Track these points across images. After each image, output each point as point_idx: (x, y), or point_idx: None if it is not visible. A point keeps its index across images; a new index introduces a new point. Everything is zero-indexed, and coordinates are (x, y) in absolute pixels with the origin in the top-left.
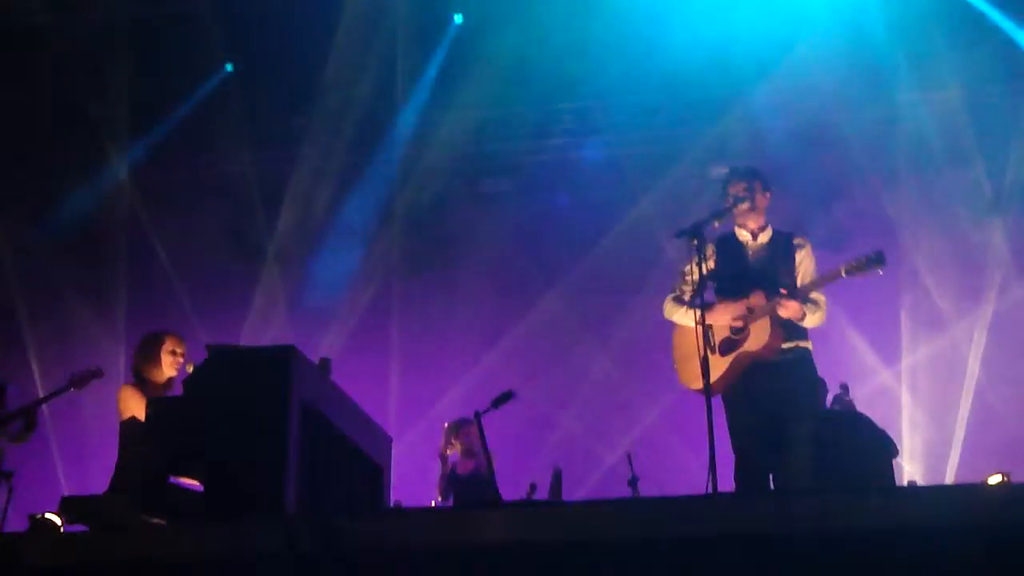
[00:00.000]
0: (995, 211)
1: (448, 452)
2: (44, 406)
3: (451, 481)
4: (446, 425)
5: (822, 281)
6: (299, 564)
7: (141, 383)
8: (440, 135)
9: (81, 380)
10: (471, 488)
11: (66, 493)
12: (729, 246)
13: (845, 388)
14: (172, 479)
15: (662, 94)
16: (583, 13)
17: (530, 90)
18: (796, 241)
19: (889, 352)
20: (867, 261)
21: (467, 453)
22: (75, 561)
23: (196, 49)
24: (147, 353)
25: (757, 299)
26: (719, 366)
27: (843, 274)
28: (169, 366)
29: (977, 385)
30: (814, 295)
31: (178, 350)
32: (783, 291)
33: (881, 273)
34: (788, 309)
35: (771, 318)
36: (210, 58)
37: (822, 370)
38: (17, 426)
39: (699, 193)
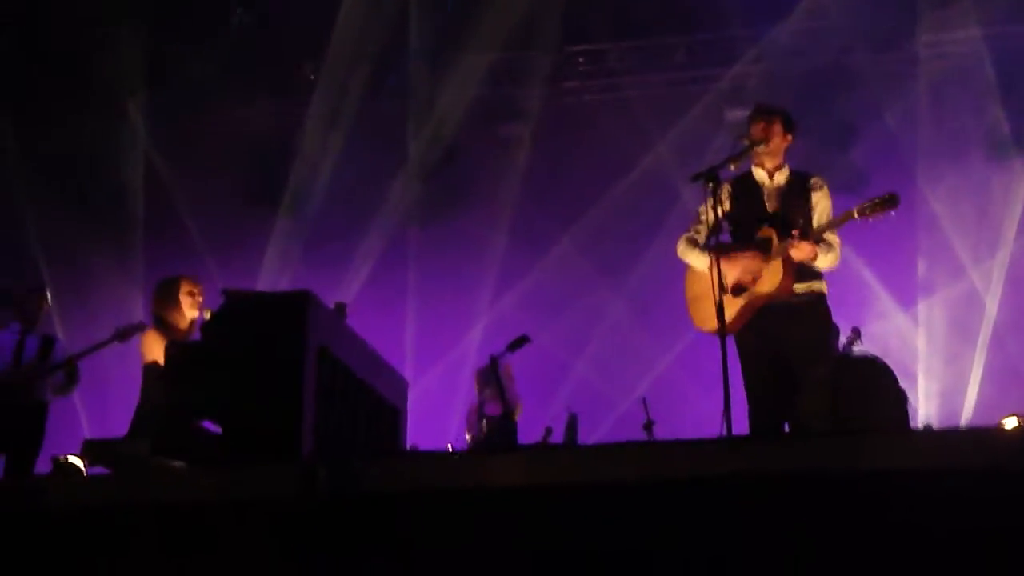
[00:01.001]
0: (1015, 153)
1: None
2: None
3: (479, 419)
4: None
5: (836, 223)
6: (316, 506)
7: (163, 327)
8: (454, 79)
9: (126, 333)
10: (493, 429)
11: (88, 436)
12: (745, 187)
13: (857, 332)
14: (197, 422)
15: (677, 36)
16: None
17: (544, 33)
18: (813, 182)
19: (905, 295)
20: (880, 202)
21: (493, 395)
22: (97, 503)
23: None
24: (166, 297)
25: (766, 233)
26: (731, 307)
27: (856, 216)
28: (189, 307)
29: (994, 328)
30: (828, 237)
31: (195, 290)
32: (795, 232)
33: (894, 214)
34: (800, 250)
35: (782, 259)
36: (224, 6)
37: (835, 313)
38: (60, 378)
39: (715, 136)
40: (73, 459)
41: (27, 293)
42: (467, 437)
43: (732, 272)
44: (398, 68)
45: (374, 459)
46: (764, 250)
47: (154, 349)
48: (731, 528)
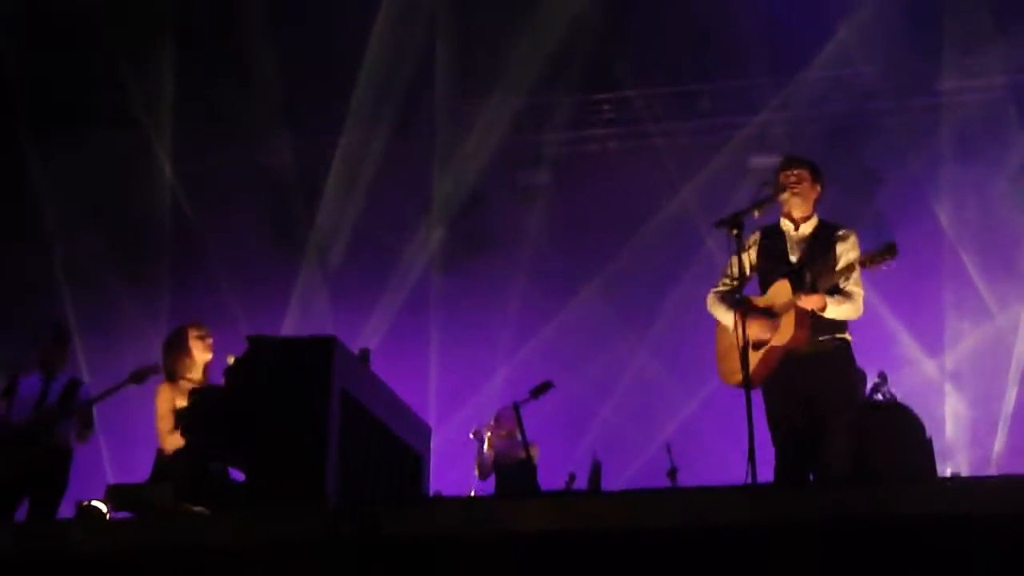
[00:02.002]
0: None
1: (489, 435)
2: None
3: (494, 464)
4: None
5: (839, 275)
6: (340, 551)
7: (174, 380)
8: (479, 124)
9: (141, 375)
10: (513, 474)
11: (111, 481)
12: (772, 237)
13: (884, 377)
14: (221, 468)
15: (701, 83)
16: (622, 1)
17: (569, 79)
18: (840, 233)
19: (932, 342)
20: (879, 253)
21: (510, 438)
22: (121, 547)
23: (237, 36)
24: (175, 347)
25: (781, 287)
26: (753, 359)
27: (857, 267)
28: (200, 351)
29: (1022, 375)
30: (849, 287)
31: (202, 333)
32: (807, 283)
33: (894, 264)
34: (808, 301)
35: (796, 311)
36: (251, 45)
37: (861, 359)
38: (75, 423)
39: (739, 183)
40: (97, 503)
41: (48, 340)
42: (476, 473)
43: (751, 330)
44: (423, 111)
45: (398, 504)
46: (769, 311)
47: (167, 401)
48: (755, 574)
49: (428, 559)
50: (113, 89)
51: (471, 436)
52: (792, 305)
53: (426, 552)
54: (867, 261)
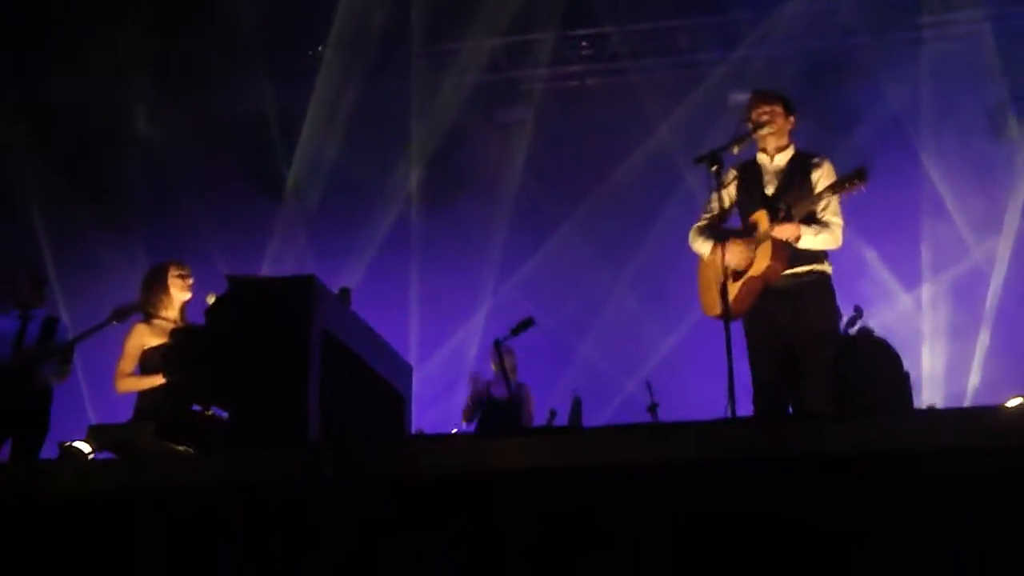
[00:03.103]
0: (1018, 133)
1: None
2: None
3: (482, 402)
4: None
5: (809, 202)
6: (322, 490)
7: (149, 319)
8: (457, 63)
9: (123, 313)
10: (500, 411)
11: (93, 421)
12: (749, 171)
13: (859, 311)
14: (203, 407)
15: (679, 19)
16: None
17: (547, 16)
18: (814, 161)
19: (909, 275)
20: (848, 176)
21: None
22: (104, 487)
23: None
24: (154, 283)
25: (758, 216)
26: (733, 291)
27: (828, 193)
28: (179, 289)
29: (998, 308)
30: (827, 216)
31: (184, 272)
32: (781, 212)
33: (864, 189)
34: (782, 231)
35: (772, 242)
36: None
37: (840, 293)
38: (54, 362)
39: (717, 119)
40: (79, 444)
41: (24, 283)
42: (468, 403)
43: (729, 259)
44: (400, 52)
45: (380, 443)
46: (749, 235)
47: (145, 340)
48: (735, 509)
49: (410, 497)
50: (88, 38)
51: (468, 381)
52: (769, 235)
53: (408, 490)
54: (837, 186)
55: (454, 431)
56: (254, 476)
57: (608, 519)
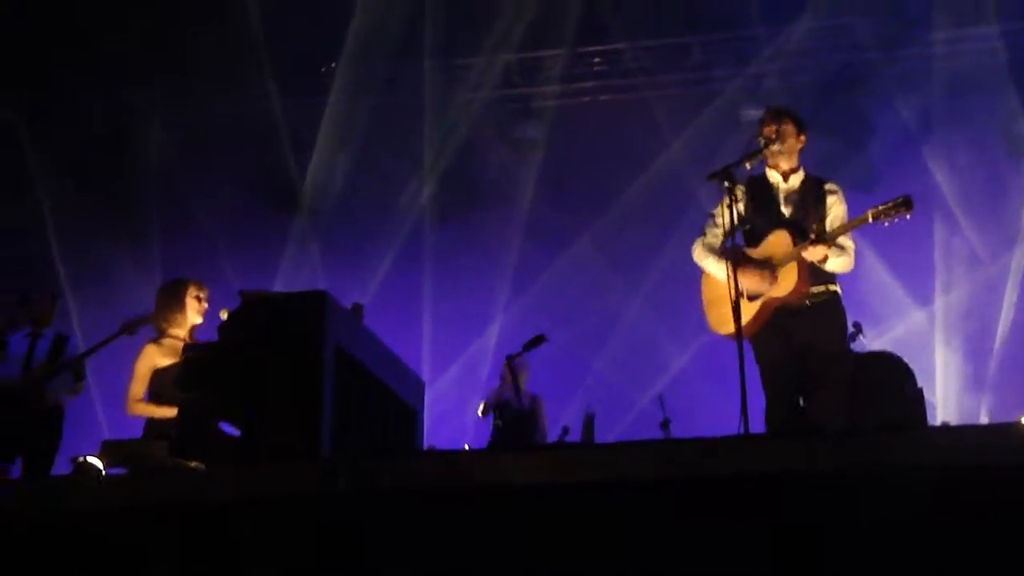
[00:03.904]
0: None
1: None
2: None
3: (498, 406)
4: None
5: (850, 227)
6: (334, 506)
7: (159, 337)
8: (470, 79)
9: (132, 326)
10: (515, 423)
11: (106, 437)
12: (759, 188)
13: (858, 327)
14: (215, 424)
15: (692, 35)
16: None
17: (560, 32)
18: (828, 187)
19: (923, 292)
20: (894, 205)
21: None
22: (115, 503)
23: None
24: (170, 300)
25: (780, 236)
26: (748, 311)
27: (870, 219)
28: (195, 312)
29: (1012, 324)
30: (842, 240)
31: (201, 295)
32: (812, 236)
33: (908, 217)
34: (813, 253)
35: (797, 263)
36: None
37: (861, 308)
38: (68, 378)
39: (730, 135)
40: (92, 460)
41: (34, 295)
42: (481, 406)
43: (746, 283)
44: (414, 67)
45: (393, 458)
46: (766, 266)
47: (155, 360)
48: (748, 526)
49: (422, 512)
50: (102, 51)
51: (479, 414)
52: (793, 257)
53: (420, 505)
54: (881, 214)
55: (466, 447)
56: (267, 492)
57: (620, 534)
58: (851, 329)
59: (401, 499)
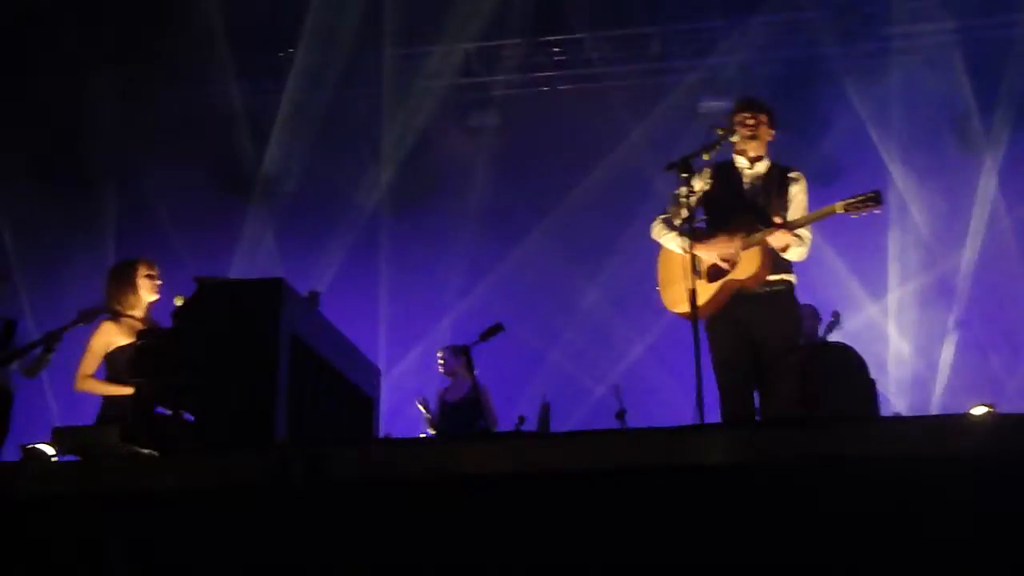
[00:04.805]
0: (984, 145)
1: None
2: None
3: (440, 406)
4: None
5: (817, 216)
6: (289, 494)
7: (116, 317)
8: (427, 68)
9: (89, 316)
10: (458, 415)
11: (57, 424)
12: (725, 173)
13: (837, 316)
14: (169, 410)
15: (651, 26)
16: None
17: (519, 21)
18: (791, 175)
19: (876, 285)
20: (865, 199)
21: (454, 379)
22: (67, 490)
23: None
24: (122, 281)
25: (743, 222)
26: (705, 292)
27: (840, 211)
28: (148, 290)
29: (963, 318)
30: (801, 231)
31: (153, 273)
32: (777, 220)
33: (878, 212)
34: (777, 239)
35: (761, 248)
36: None
37: (815, 299)
38: (35, 355)
39: (689, 126)
40: (42, 446)
41: None
42: (427, 417)
43: (708, 257)
44: (371, 55)
45: (347, 446)
46: (744, 231)
47: (112, 339)
48: (702, 515)
49: (377, 501)
50: (55, 35)
51: (419, 406)
52: (757, 241)
53: (375, 494)
54: (852, 206)
55: (422, 436)
56: (220, 480)
57: (576, 524)
58: (830, 318)
59: (356, 488)
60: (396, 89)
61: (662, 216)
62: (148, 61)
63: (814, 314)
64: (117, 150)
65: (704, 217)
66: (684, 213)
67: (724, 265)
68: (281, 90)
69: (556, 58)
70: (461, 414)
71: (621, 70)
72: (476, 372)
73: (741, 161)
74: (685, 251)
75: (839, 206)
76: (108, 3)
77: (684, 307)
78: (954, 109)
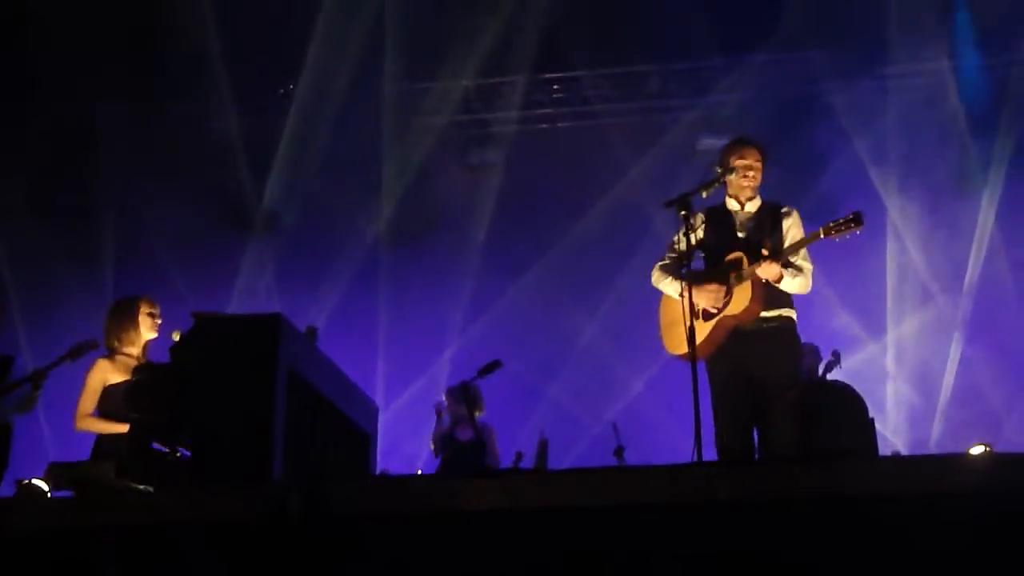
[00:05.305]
0: (981, 183)
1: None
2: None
3: (447, 442)
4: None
5: (803, 243)
6: (286, 530)
7: (112, 354)
8: (427, 105)
9: (78, 351)
10: (468, 454)
11: (52, 459)
12: (718, 216)
13: (837, 356)
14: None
15: (650, 64)
16: None
17: (519, 59)
18: (784, 210)
19: (875, 323)
20: (845, 221)
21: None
22: (62, 526)
23: (183, 9)
24: (123, 316)
25: (736, 257)
26: (702, 331)
27: (822, 235)
28: (148, 328)
29: (961, 357)
30: (799, 262)
31: (154, 312)
32: (764, 252)
33: (859, 232)
34: (766, 270)
35: (752, 282)
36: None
37: (815, 338)
38: (25, 391)
39: (687, 164)
40: (37, 482)
41: None
42: (432, 447)
43: (701, 299)
44: (372, 91)
45: (345, 482)
46: (734, 271)
47: (107, 376)
48: (700, 553)
49: (375, 537)
50: (55, 67)
51: (436, 413)
52: (747, 277)
53: (373, 530)
54: (832, 229)
55: (419, 472)
56: (216, 515)
57: (574, 561)
58: (830, 357)
59: (353, 523)
60: (396, 124)
61: (660, 263)
62: (148, 94)
63: (814, 352)
64: (116, 183)
65: (703, 260)
66: (681, 250)
67: (717, 305)
68: (282, 124)
69: (555, 95)
70: (471, 453)
71: (620, 108)
72: (478, 414)
73: (733, 204)
74: (681, 295)
75: (821, 231)
76: (108, 35)
77: (684, 349)
78: (951, 146)
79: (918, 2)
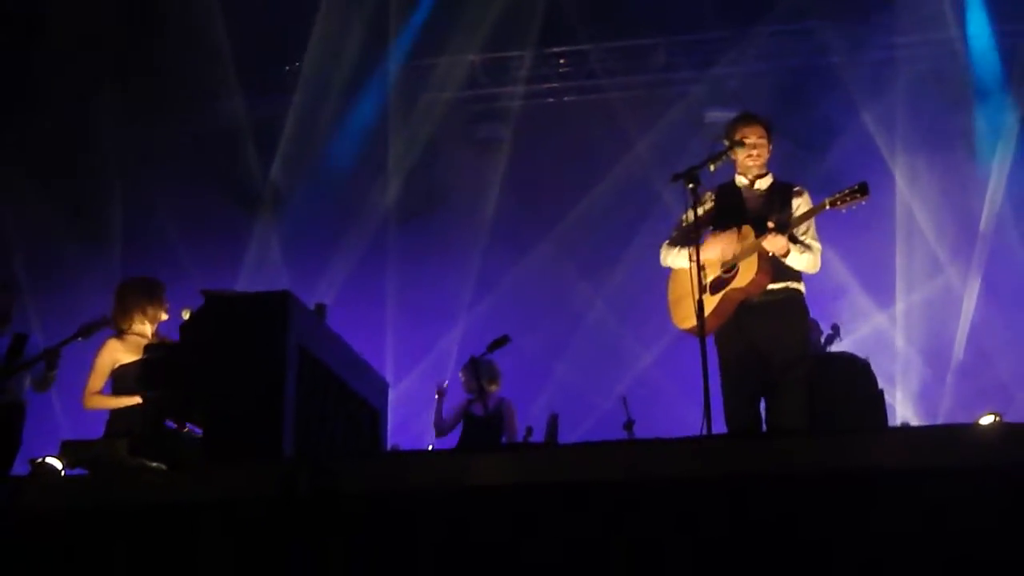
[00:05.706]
0: (990, 153)
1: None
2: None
3: (463, 417)
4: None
5: (809, 215)
6: (297, 507)
7: (122, 334)
8: (433, 80)
9: (90, 329)
10: (484, 429)
11: (65, 437)
12: (728, 192)
13: (836, 329)
14: (177, 423)
15: (656, 37)
16: None
17: (524, 33)
18: (795, 189)
19: (884, 294)
20: (850, 192)
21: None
22: (76, 504)
23: None
24: (145, 298)
25: (744, 232)
26: (709, 304)
27: (828, 206)
28: (164, 311)
29: (970, 327)
30: (808, 240)
31: (163, 295)
32: (770, 224)
33: (865, 203)
34: (772, 243)
35: (758, 255)
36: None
37: (816, 311)
38: (40, 369)
39: (694, 137)
40: (51, 460)
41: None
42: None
43: (716, 250)
44: (378, 67)
45: (355, 459)
46: (741, 227)
47: (118, 356)
48: (710, 526)
49: (386, 514)
50: (62, 52)
51: (435, 395)
52: (754, 249)
53: (384, 507)
54: (838, 200)
55: (430, 447)
56: (228, 493)
57: (585, 534)
58: (829, 331)
59: (364, 500)
60: (402, 102)
61: (668, 241)
62: (155, 76)
63: (815, 326)
64: (125, 164)
65: (710, 232)
66: (690, 219)
67: (727, 258)
68: (288, 103)
69: (561, 69)
70: (487, 428)
71: (626, 81)
72: (495, 388)
73: (742, 180)
74: (691, 258)
75: (827, 202)
76: (114, 19)
77: (692, 323)
78: (961, 117)
79: None
